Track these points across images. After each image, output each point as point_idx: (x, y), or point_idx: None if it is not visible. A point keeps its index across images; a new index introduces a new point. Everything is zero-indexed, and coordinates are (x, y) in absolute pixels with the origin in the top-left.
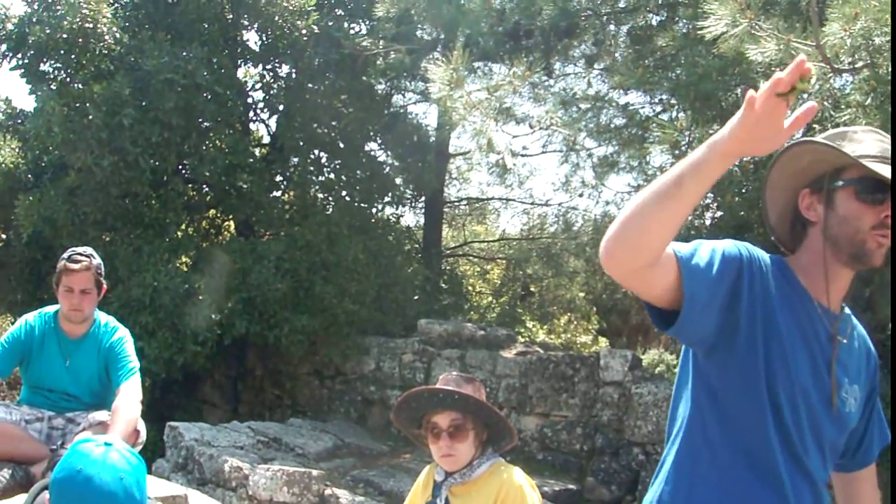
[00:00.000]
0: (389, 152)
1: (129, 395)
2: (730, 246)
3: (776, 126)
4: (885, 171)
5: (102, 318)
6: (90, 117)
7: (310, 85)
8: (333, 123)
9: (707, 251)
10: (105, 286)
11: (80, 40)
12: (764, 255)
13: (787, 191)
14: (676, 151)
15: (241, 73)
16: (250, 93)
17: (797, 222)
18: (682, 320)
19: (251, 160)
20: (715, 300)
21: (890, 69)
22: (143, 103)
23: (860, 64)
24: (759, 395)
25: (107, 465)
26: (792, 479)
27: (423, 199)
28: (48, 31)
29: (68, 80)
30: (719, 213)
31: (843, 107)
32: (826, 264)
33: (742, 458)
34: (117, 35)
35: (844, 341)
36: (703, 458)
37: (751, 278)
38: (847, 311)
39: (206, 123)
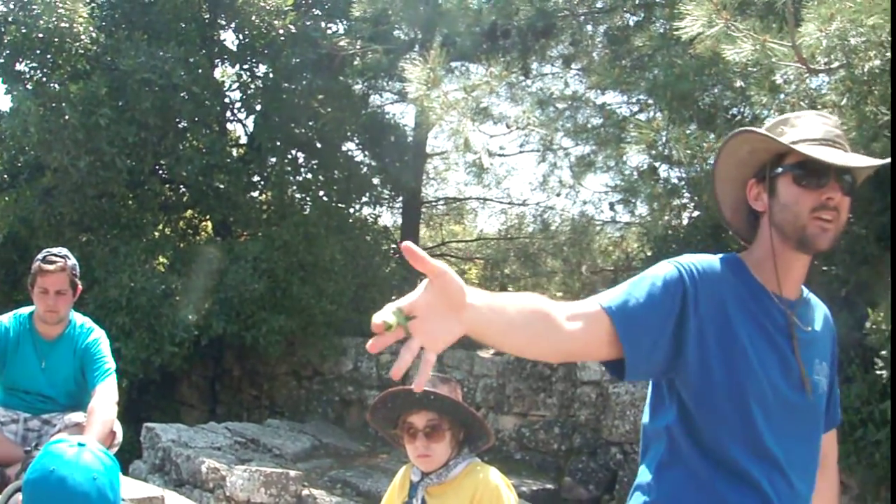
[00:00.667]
0: (367, 152)
1: (105, 397)
2: (668, 271)
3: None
4: (823, 153)
5: (78, 319)
6: (66, 117)
7: (287, 85)
8: (311, 123)
9: (643, 290)
10: (80, 287)
11: (56, 40)
12: (710, 263)
13: (735, 182)
14: (653, 151)
15: (218, 72)
16: (227, 93)
17: (750, 213)
18: (628, 372)
19: (228, 160)
20: (662, 339)
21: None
22: (120, 103)
23: (836, 64)
24: (725, 405)
25: (80, 465)
26: (771, 482)
27: (400, 199)
28: (24, 31)
29: (44, 79)
30: (696, 213)
31: (818, 107)
32: (776, 253)
33: (717, 468)
34: (93, 35)
35: (808, 329)
36: (677, 471)
37: (695, 300)
38: (805, 294)
39: (183, 123)
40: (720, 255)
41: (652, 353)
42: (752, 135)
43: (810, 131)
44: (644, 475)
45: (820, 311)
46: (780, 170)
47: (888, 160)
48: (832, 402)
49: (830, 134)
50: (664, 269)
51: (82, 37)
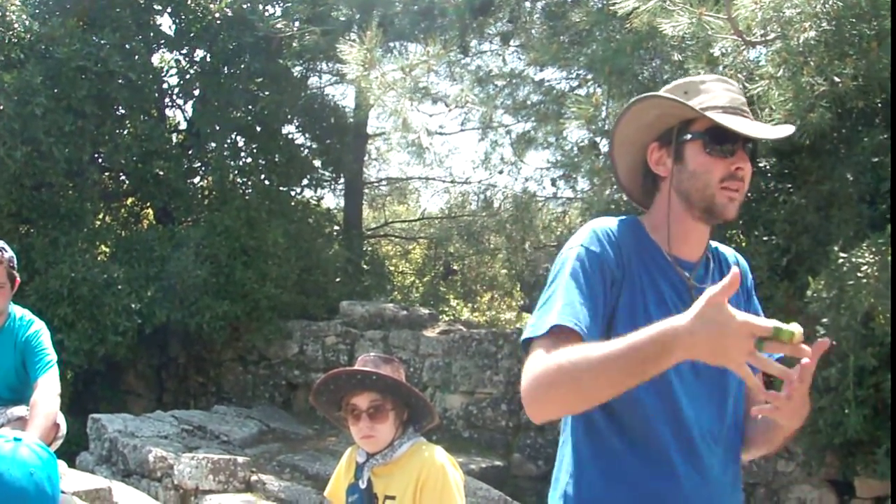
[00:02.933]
0: (307, 135)
1: (48, 389)
2: (583, 257)
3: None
4: (731, 122)
5: (17, 311)
6: (1, 107)
7: (225, 69)
8: (250, 107)
9: (574, 290)
10: (18, 279)
11: None
12: (610, 227)
13: (634, 146)
14: (593, 126)
15: (155, 58)
16: (165, 78)
17: (647, 177)
18: None
19: (168, 146)
20: (603, 317)
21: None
22: (56, 91)
23: (772, 36)
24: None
25: (16, 460)
26: (683, 456)
27: (342, 180)
28: None
29: None
30: None
31: (756, 79)
32: (675, 220)
33: (627, 445)
34: (27, 23)
35: (705, 285)
36: (593, 450)
37: (611, 272)
38: (709, 252)
39: (120, 110)
40: (620, 218)
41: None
42: (662, 100)
43: (718, 98)
44: (565, 457)
45: (728, 266)
46: (688, 136)
47: (791, 129)
48: None
49: (736, 101)
50: (576, 259)
51: (15, 25)
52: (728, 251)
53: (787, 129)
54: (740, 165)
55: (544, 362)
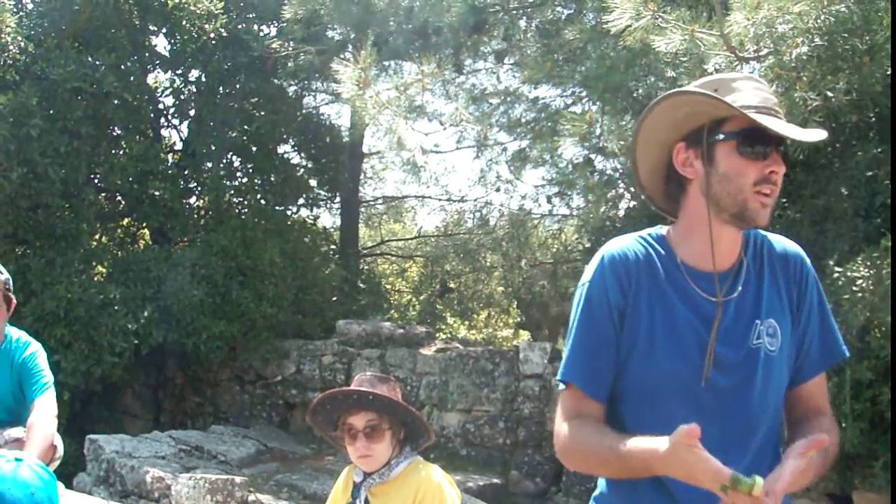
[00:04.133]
0: (303, 154)
1: (45, 411)
2: (590, 296)
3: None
4: (767, 122)
5: (14, 333)
6: None
7: (220, 89)
8: (245, 127)
9: (582, 341)
10: (14, 301)
11: None
12: (623, 251)
13: (659, 145)
14: (587, 143)
15: (150, 79)
16: (161, 98)
17: (672, 180)
18: None
19: (163, 167)
20: (615, 358)
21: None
22: (51, 113)
23: (765, 51)
24: (632, 397)
25: (18, 481)
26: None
27: (338, 199)
28: None
29: None
30: (633, 204)
31: None
32: (701, 225)
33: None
34: (22, 44)
35: (733, 297)
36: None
37: (619, 309)
38: (748, 252)
39: (116, 131)
40: (639, 235)
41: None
42: (695, 96)
43: (749, 97)
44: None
45: (774, 258)
46: (721, 136)
47: (824, 134)
48: (807, 346)
49: (769, 102)
50: (585, 299)
51: (10, 47)
52: (778, 240)
53: (820, 134)
54: (774, 169)
55: (563, 429)
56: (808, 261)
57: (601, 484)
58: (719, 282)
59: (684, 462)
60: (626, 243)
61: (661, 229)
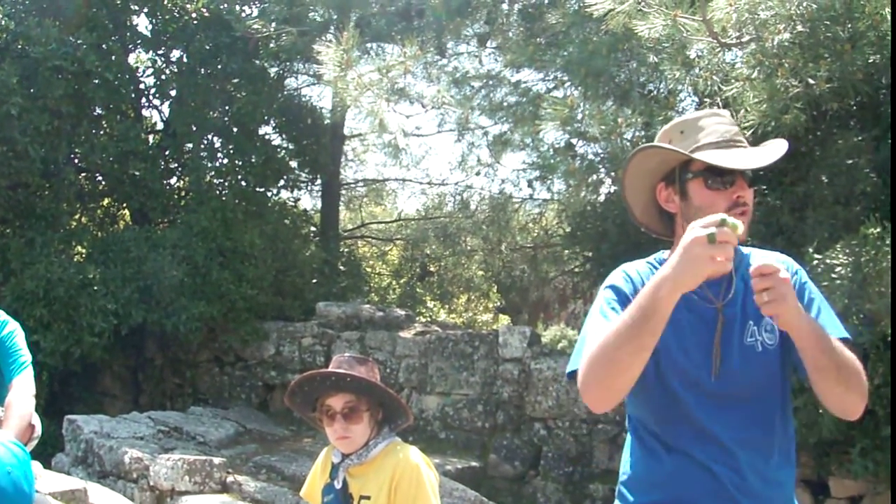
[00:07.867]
0: (284, 135)
1: (22, 390)
2: (609, 296)
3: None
4: (724, 157)
5: None
6: None
7: (202, 69)
8: (226, 108)
9: (598, 331)
10: None
11: None
12: (636, 268)
13: (644, 189)
14: (569, 128)
15: (132, 58)
16: (142, 78)
17: (663, 213)
18: None
19: (144, 147)
20: None
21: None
22: (32, 91)
23: (747, 38)
24: (654, 387)
25: None
26: (721, 465)
27: (319, 181)
28: None
29: None
30: (613, 189)
31: (731, 81)
32: None
33: (656, 439)
34: (2, 22)
35: (727, 298)
36: (636, 441)
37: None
38: (735, 265)
39: (97, 110)
40: (648, 259)
41: None
42: (659, 150)
43: (711, 134)
44: (622, 460)
45: (745, 269)
46: (689, 175)
47: (783, 149)
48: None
49: (729, 133)
50: (605, 299)
51: None
52: (759, 255)
53: (779, 151)
54: (741, 194)
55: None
56: (794, 266)
57: (624, 465)
58: (713, 290)
59: (679, 247)
60: (638, 264)
61: (664, 253)
